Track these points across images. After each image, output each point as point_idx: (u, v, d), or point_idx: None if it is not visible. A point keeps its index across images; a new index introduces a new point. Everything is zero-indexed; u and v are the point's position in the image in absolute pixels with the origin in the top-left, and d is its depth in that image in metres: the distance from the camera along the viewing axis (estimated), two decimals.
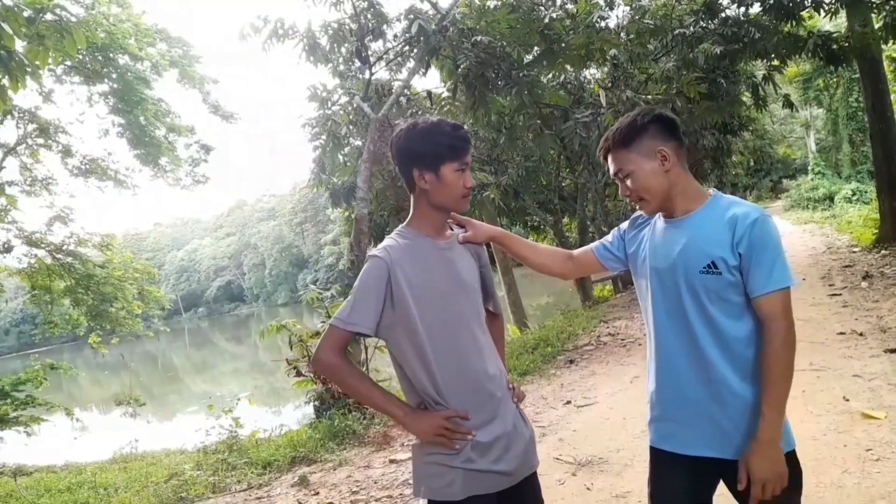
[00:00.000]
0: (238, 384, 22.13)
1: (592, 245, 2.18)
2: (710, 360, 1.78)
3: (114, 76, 12.29)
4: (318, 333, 6.88)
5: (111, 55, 11.97)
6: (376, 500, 4.27)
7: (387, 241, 1.94)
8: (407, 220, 2.01)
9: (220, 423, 6.72)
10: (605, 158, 1.92)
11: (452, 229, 2.08)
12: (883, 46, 11.61)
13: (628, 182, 1.86)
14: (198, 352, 46.38)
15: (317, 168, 10.48)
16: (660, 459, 1.95)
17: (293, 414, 11.54)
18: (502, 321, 2.29)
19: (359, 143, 10.64)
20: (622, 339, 8.68)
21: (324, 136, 9.73)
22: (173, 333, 38.76)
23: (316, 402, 6.95)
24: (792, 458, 1.77)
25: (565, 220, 18.20)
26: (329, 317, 6.84)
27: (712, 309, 1.76)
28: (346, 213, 15.32)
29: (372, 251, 1.91)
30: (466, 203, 1.98)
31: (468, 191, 1.95)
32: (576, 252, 2.26)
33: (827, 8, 10.21)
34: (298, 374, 6.83)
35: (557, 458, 4.47)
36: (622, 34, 10.19)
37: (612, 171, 1.91)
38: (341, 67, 9.57)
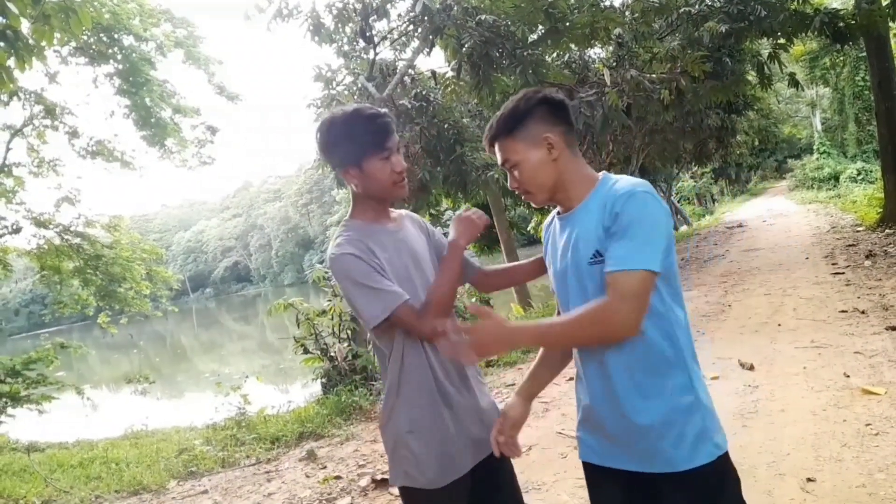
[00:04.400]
0: (246, 363, 22.29)
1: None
2: (607, 362, 1.60)
3: (119, 57, 12.27)
4: (324, 312, 6.96)
5: (116, 36, 11.95)
6: (382, 474, 4.36)
7: (338, 239, 1.81)
8: (349, 213, 1.91)
9: (228, 401, 6.83)
10: (492, 147, 1.73)
11: (394, 206, 2.00)
12: (890, 24, 11.47)
13: (515, 173, 1.69)
14: (206, 332, 46.73)
15: None
16: (591, 474, 1.78)
17: (301, 391, 11.65)
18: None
19: None
20: None
21: None
22: (181, 314, 39.04)
23: (323, 379, 7.05)
24: (725, 462, 1.58)
25: None
26: (335, 296, 6.92)
27: None
28: None
29: (335, 252, 1.76)
30: (402, 189, 1.86)
31: (400, 176, 1.83)
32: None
33: None
34: (306, 351, 6.93)
35: (560, 433, 4.55)
36: (627, 13, 10.14)
37: (500, 162, 1.72)
38: (346, 47, 9.56)
